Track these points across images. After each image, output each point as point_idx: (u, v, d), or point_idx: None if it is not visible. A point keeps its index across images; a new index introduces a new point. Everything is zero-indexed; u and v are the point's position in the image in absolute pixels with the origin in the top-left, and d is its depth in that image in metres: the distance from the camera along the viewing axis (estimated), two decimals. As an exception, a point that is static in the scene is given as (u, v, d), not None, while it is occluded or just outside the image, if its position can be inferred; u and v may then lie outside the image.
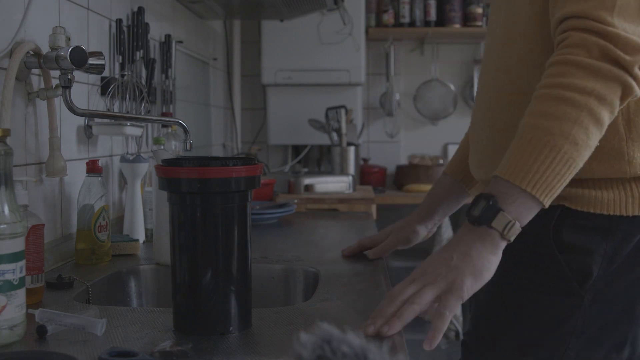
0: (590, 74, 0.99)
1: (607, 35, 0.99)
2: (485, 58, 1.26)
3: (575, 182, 1.07)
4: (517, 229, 0.99)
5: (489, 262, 1.00)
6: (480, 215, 1.00)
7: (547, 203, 1.00)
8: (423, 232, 1.44)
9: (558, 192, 1.00)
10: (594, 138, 1.00)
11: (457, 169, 1.42)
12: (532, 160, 0.99)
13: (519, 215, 0.99)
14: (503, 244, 1.01)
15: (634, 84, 1.00)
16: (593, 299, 1.10)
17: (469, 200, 1.35)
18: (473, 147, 1.25)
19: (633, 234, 1.10)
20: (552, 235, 1.11)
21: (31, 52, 1.32)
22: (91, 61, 1.33)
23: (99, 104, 1.73)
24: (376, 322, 0.96)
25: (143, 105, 1.90)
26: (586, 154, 1.00)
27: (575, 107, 0.98)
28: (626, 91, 1.00)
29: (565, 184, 1.00)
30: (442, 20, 3.69)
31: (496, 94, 1.18)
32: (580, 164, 1.00)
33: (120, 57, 1.84)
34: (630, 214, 1.09)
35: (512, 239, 1.00)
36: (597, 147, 1.04)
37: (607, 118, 1.00)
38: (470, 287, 0.98)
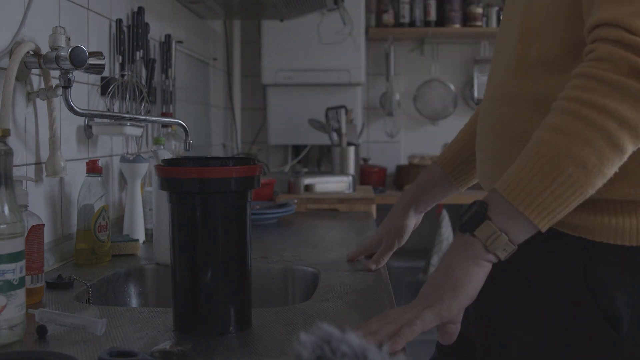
0: (614, 92, 0.87)
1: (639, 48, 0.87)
2: (494, 61, 1.14)
3: (593, 205, 0.97)
4: (503, 242, 0.91)
5: (470, 273, 0.92)
6: (466, 222, 0.94)
7: (543, 226, 0.91)
8: (411, 223, 1.38)
9: (559, 216, 0.91)
10: (610, 164, 0.89)
11: (448, 161, 1.34)
12: (531, 177, 0.90)
13: (507, 229, 0.91)
14: (489, 257, 0.93)
15: None
16: (634, 343, 0.97)
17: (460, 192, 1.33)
18: (479, 156, 1.16)
19: None
20: (583, 278, 0.98)
21: (31, 52, 1.32)
22: (91, 61, 1.33)
23: (99, 104, 1.73)
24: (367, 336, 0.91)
25: (143, 105, 1.90)
26: (598, 181, 0.89)
27: (590, 126, 0.88)
28: None
29: (568, 209, 0.91)
30: (442, 20, 3.69)
31: (507, 101, 1.06)
32: (589, 190, 0.90)
33: (120, 57, 1.84)
34: None
35: (499, 254, 0.92)
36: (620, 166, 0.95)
37: (629, 143, 0.88)
38: (450, 302, 0.92)
